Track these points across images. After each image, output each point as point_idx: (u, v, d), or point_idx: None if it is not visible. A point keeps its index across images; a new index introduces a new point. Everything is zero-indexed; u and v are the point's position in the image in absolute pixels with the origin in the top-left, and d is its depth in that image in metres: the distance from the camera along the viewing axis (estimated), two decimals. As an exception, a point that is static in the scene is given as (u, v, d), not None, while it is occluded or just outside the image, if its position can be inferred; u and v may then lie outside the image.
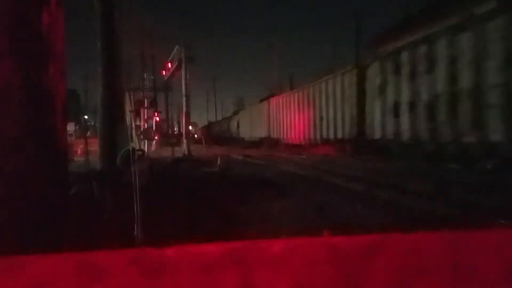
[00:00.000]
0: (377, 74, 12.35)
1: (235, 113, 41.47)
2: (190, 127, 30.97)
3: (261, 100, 29.79)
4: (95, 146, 9.89)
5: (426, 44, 9.97)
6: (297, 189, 7.67)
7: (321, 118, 16.79)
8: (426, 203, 5.84)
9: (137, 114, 25.61)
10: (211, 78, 65.10)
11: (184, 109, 21.47)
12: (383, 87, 11.96)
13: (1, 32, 2.27)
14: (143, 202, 3.77)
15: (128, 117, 11.75)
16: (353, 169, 10.25)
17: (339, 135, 15.20)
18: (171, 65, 24.67)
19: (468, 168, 8.57)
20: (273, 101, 25.26)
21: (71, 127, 28.24)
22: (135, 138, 18.49)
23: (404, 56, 10.96)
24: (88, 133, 27.67)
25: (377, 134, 12.35)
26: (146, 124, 28.41)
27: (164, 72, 26.91)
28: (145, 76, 30.45)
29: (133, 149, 7.52)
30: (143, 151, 15.53)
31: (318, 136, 17.28)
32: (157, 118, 28.09)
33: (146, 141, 23.55)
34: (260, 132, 27.31)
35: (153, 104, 28.82)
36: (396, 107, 11.15)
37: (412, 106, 10.38)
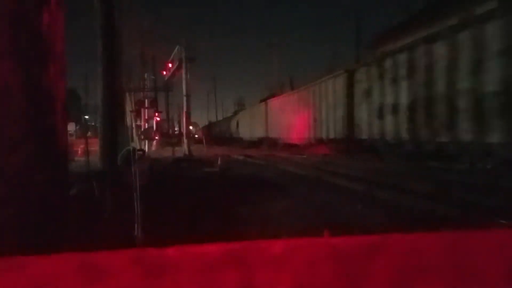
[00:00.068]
0: (364, 79, 13.18)
1: (236, 113, 41.55)
2: (191, 127, 31.00)
3: (261, 100, 29.92)
4: (95, 146, 9.89)
5: (405, 52, 10.82)
6: (296, 189, 7.68)
7: (315, 119, 17.53)
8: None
9: (137, 114, 25.66)
10: (212, 78, 65.19)
11: (185, 109, 21.47)
12: (370, 90, 12.79)
13: (1, 32, 2.27)
14: (144, 202, 3.77)
15: (129, 117, 11.76)
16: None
17: (331, 135, 15.98)
18: (171, 65, 24.68)
19: (445, 166, 9.27)
20: (271, 102, 25.82)
21: (71, 127, 28.27)
22: (135, 138, 18.52)
23: (387, 62, 11.72)
24: (89, 133, 27.65)
25: (365, 135, 13.20)
26: (146, 124, 28.46)
27: (164, 72, 26.92)
28: (145, 76, 30.48)
29: (134, 149, 7.53)
30: (143, 151, 15.56)
31: (312, 136, 17.98)
32: (158, 118, 28.12)
33: (146, 141, 23.59)
34: (259, 132, 27.79)
35: (154, 104, 28.85)
36: (381, 109, 11.99)
37: (394, 108, 11.25)
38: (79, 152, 16.54)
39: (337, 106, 15.28)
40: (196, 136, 49.48)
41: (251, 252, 0.95)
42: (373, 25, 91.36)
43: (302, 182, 8.69)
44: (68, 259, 0.91)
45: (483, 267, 0.96)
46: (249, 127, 31.12)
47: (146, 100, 28.86)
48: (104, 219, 4.47)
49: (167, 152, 20.76)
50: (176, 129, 42.62)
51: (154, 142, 26.99)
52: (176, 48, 22.37)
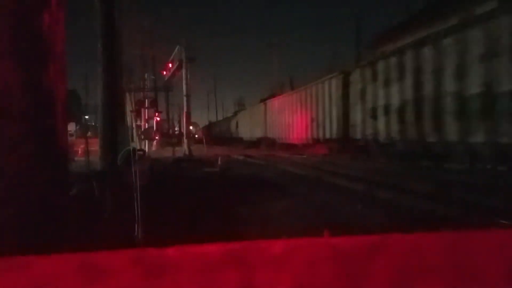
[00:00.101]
0: (359, 80, 13.62)
1: (236, 113, 41.58)
2: (191, 127, 31.02)
3: (261, 100, 30.01)
4: (95, 146, 9.89)
5: (396, 56, 11.24)
6: (296, 189, 7.69)
7: (312, 120, 17.88)
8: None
9: (137, 114, 25.65)
10: (212, 78, 65.30)
11: (185, 109, 21.49)
12: (363, 92, 13.23)
13: (2, 32, 2.27)
14: (144, 202, 3.77)
15: (129, 117, 11.77)
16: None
17: (328, 136, 16.36)
18: (172, 65, 24.70)
19: (434, 166, 9.69)
20: (270, 102, 26.12)
21: (71, 127, 28.18)
22: (135, 138, 18.52)
23: (380, 65, 12.13)
24: (89, 133, 27.65)
25: (359, 135, 13.66)
26: (146, 124, 28.46)
27: (165, 72, 26.94)
28: (145, 76, 30.49)
29: (134, 149, 7.52)
30: (143, 151, 15.55)
31: (310, 136, 18.33)
32: (158, 118, 28.13)
33: (146, 141, 23.58)
34: (258, 132, 28.06)
35: (154, 104, 28.86)
36: (374, 110, 12.42)
37: (386, 109, 11.67)
38: (79, 152, 16.54)
39: (333, 107, 15.68)
40: (196, 136, 49.47)
41: (251, 252, 0.95)
42: (373, 25, 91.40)
43: (302, 182, 8.70)
44: (68, 259, 0.91)
45: (483, 267, 0.96)
46: (249, 127, 31.26)
47: (146, 100, 28.86)
48: (104, 219, 4.47)
49: (167, 152, 20.77)
50: (176, 129, 42.63)
51: (154, 142, 27.00)
52: (176, 48, 22.39)
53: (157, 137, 26.41)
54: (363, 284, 0.94)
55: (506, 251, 0.98)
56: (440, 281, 0.95)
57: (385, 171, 9.73)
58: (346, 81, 14.70)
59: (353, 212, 5.44)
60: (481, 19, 8.21)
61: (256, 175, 10.46)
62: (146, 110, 28.69)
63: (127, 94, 13.29)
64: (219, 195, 7.10)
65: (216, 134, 43.34)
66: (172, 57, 24.05)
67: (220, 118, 55.59)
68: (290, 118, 20.96)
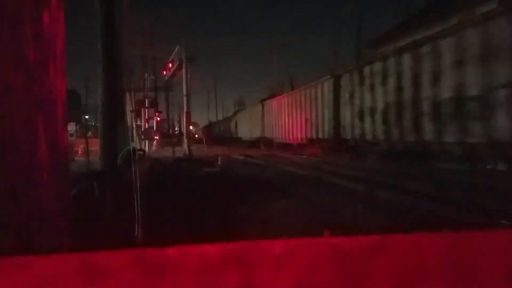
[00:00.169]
0: (348, 84, 14.43)
1: (236, 113, 41.59)
2: (191, 127, 31.01)
3: (261, 100, 30.05)
4: (95, 146, 9.89)
5: (381, 62, 12.05)
6: (296, 189, 7.69)
7: (306, 121, 18.54)
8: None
9: (138, 114, 25.66)
10: (212, 78, 65.38)
11: (185, 109, 21.50)
12: (352, 95, 14.06)
13: (2, 33, 2.27)
14: (144, 202, 3.77)
15: (129, 117, 11.76)
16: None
17: (320, 136, 17.01)
18: (172, 65, 24.72)
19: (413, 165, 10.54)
20: (267, 103, 26.43)
21: (72, 127, 28.21)
22: (136, 138, 18.52)
23: (366, 70, 12.94)
24: (89, 133, 27.67)
25: (348, 135, 14.44)
26: (147, 124, 28.48)
27: (165, 72, 26.96)
28: (146, 76, 30.50)
29: (134, 149, 7.52)
30: (143, 151, 15.57)
31: (304, 137, 18.98)
32: (158, 118, 28.14)
33: (146, 141, 23.60)
34: (256, 133, 28.38)
35: (154, 104, 28.86)
36: (361, 112, 13.23)
37: (372, 111, 12.45)
38: (79, 152, 16.56)
39: (326, 109, 16.43)
40: (196, 136, 49.49)
41: (251, 252, 0.95)
42: (373, 25, 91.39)
43: (302, 182, 8.71)
44: (68, 259, 0.91)
45: (484, 267, 0.96)
46: (248, 127, 31.39)
47: (147, 100, 28.86)
48: (104, 219, 4.47)
49: (167, 152, 20.78)
50: (176, 129, 42.67)
51: (154, 142, 27.01)
52: (176, 48, 22.41)
53: (157, 137, 26.43)
54: (363, 284, 0.94)
55: (507, 252, 0.98)
56: (440, 282, 0.95)
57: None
58: (337, 84, 15.49)
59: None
60: (451, 31, 8.99)
61: (256, 175, 10.46)
62: (146, 110, 28.70)
63: (127, 94, 13.28)
64: (219, 195, 7.10)
65: (216, 134, 43.36)
66: (172, 57, 24.07)
67: (220, 118, 55.66)
68: (287, 118, 21.54)
